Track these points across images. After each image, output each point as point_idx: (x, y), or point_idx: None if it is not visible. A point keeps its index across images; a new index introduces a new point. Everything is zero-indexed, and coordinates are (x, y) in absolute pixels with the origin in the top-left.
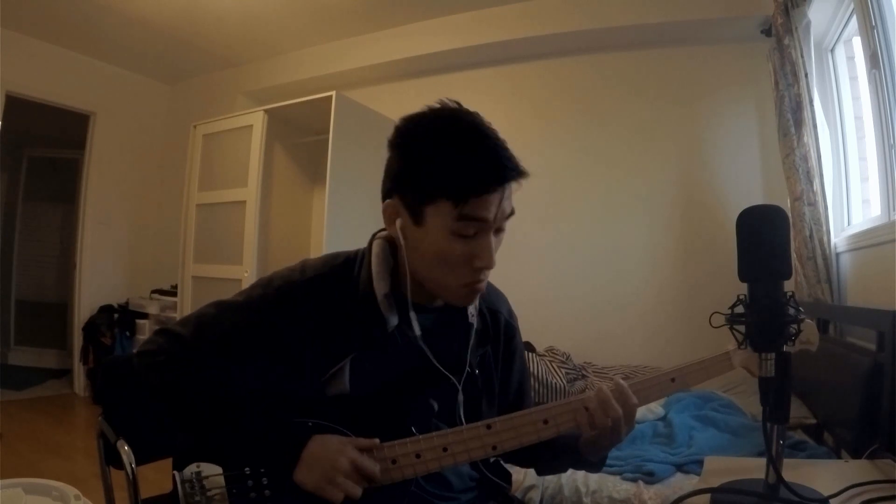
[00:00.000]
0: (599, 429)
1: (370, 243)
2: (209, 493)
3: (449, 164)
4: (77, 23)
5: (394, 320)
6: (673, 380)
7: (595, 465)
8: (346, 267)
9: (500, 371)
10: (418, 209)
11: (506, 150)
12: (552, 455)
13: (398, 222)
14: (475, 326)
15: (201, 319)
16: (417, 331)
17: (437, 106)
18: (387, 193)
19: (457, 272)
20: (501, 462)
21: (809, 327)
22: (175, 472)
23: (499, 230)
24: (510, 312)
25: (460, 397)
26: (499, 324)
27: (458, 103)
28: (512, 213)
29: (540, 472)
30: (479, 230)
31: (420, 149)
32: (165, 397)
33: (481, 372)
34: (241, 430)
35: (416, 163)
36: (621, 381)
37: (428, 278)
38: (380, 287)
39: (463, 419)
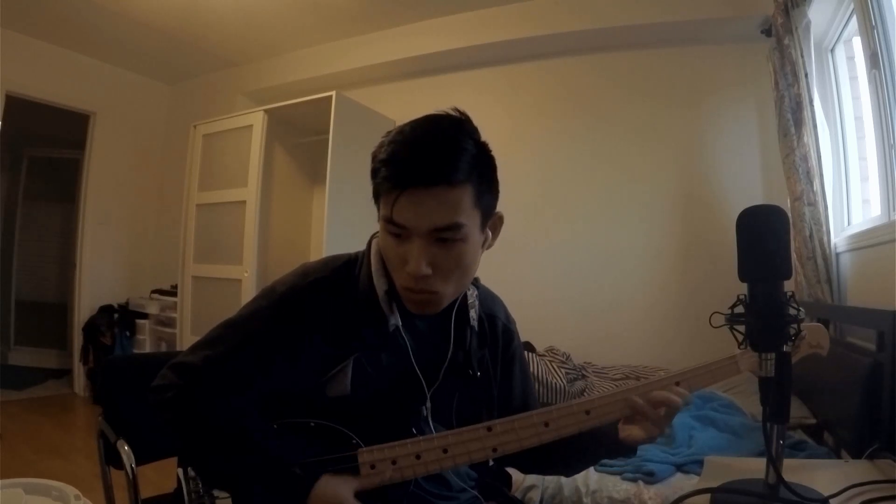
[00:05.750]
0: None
1: (369, 243)
2: (214, 491)
3: (375, 162)
4: (77, 23)
5: (394, 320)
6: (678, 383)
7: (632, 450)
8: (346, 268)
9: (501, 376)
10: (377, 206)
11: (424, 152)
12: (584, 446)
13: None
14: (475, 330)
15: (210, 343)
16: (397, 321)
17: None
18: None
19: (397, 273)
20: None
21: (819, 331)
22: (179, 469)
23: (442, 240)
24: (507, 317)
25: (458, 399)
26: (496, 328)
27: (458, 110)
28: (452, 226)
29: (569, 474)
30: (402, 233)
31: (380, 146)
32: (176, 433)
33: (480, 375)
34: (247, 471)
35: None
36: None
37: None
38: (380, 284)
39: (461, 422)
